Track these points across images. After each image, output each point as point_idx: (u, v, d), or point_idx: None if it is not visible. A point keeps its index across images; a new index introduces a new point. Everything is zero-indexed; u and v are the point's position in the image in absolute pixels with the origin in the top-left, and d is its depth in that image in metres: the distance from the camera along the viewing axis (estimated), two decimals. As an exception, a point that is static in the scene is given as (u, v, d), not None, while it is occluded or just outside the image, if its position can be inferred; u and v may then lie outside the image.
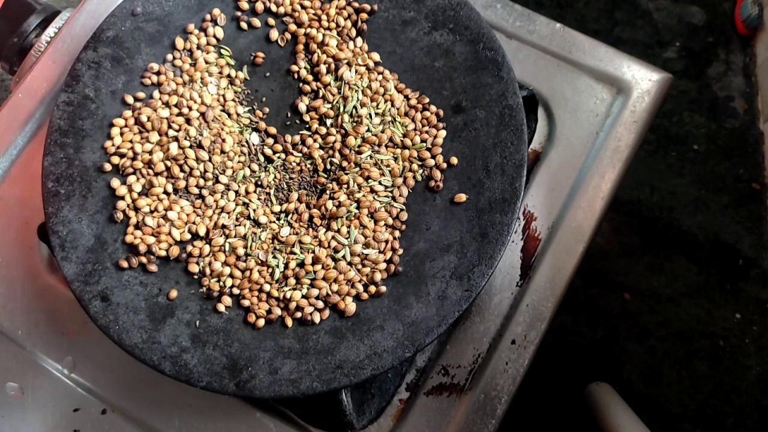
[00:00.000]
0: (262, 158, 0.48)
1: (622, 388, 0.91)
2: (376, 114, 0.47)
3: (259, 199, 0.47)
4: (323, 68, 0.48)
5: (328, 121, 0.48)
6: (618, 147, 0.53)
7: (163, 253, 0.44)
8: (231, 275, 0.44)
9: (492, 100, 0.46)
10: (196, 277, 0.44)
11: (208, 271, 0.44)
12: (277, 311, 0.43)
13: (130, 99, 0.48)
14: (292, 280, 0.43)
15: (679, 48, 1.17)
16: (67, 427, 0.49)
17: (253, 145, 0.48)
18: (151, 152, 0.46)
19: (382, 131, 0.46)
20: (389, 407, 0.48)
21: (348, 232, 0.44)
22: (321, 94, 0.48)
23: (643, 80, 0.55)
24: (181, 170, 0.46)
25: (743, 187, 1.09)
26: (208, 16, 0.50)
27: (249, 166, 0.47)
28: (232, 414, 0.48)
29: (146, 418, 0.49)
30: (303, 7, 0.50)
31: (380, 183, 0.46)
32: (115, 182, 0.45)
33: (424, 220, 0.45)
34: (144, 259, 0.44)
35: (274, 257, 0.44)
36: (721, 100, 1.14)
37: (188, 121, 0.47)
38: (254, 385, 0.41)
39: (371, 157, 0.46)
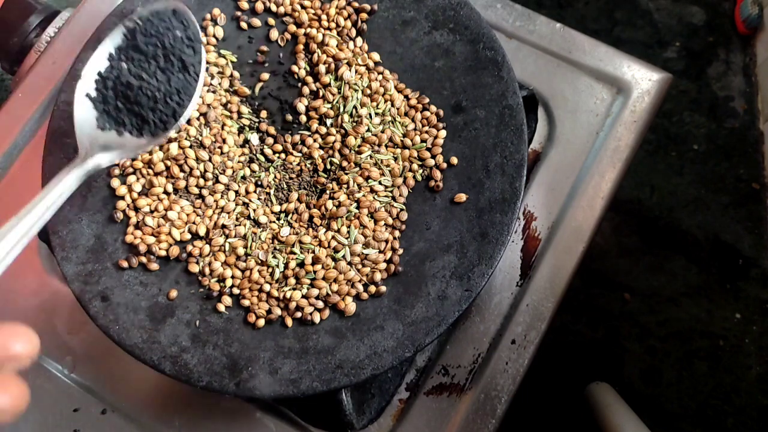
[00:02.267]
0: (262, 158, 0.48)
1: (622, 388, 0.90)
2: (376, 114, 0.47)
3: (259, 199, 0.47)
4: (322, 68, 0.48)
5: (328, 121, 0.48)
6: (618, 147, 0.53)
7: (163, 253, 0.44)
8: (231, 275, 0.44)
9: (492, 100, 0.46)
10: (196, 277, 0.44)
11: (208, 271, 0.44)
12: (277, 311, 0.43)
13: (130, 99, 0.47)
14: (292, 280, 0.43)
15: (679, 48, 1.17)
16: (67, 427, 0.49)
17: (253, 145, 0.48)
18: (150, 152, 0.46)
19: (382, 131, 0.46)
20: (389, 407, 0.48)
21: (348, 232, 0.44)
22: (321, 94, 0.48)
23: (643, 80, 0.55)
24: (181, 170, 0.46)
25: (743, 187, 1.08)
26: (208, 16, 0.50)
27: (249, 166, 0.47)
28: (232, 414, 0.48)
29: (146, 418, 0.49)
30: (303, 6, 0.50)
31: (380, 183, 0.46)
32: (115, 182, 0.45)
33: (424, 220, 0.45)
34: (144, 259, 0.44)
35: (274, 257, 0.44)
36: (721, 100, 1.14)
37: (188, 121, 0.47)
38: (254, 385, 0.41)
39: (371, 157, 0.46)
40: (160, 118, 0.41)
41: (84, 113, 0.41)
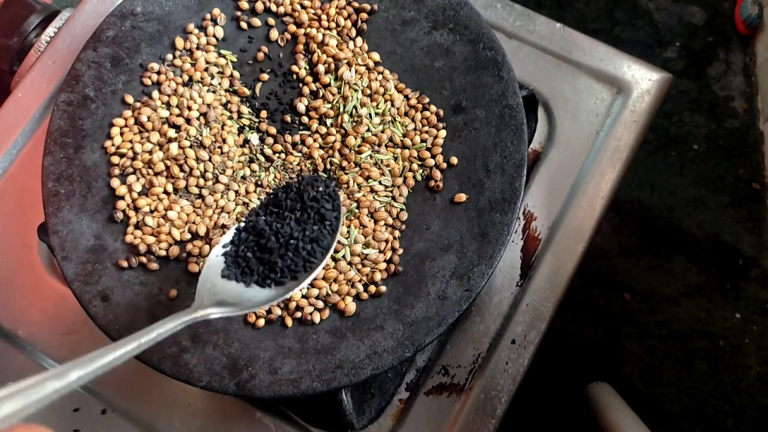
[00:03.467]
0: (262, 158, 0.48)
1: (622, 388, 0.90)
2: (376, 114, 0.47)
3: (259, 198, 0.47)
4: (322, 68, 0.48)
5: (328, 121, 0.48)
6: (618, 147, 0.53)
7: (163, 252, 0.44)
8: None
9: (492, 100, 0.46)
10: (196, 276, 0.44)
11: (208, 271, 0.44)
12: (277, 311, 0.43)
13: (130, 99, 0.48)
14: (292, 280, 0.43)
15: (679, 48, 1.17)
16: (67, 427, 0.49)
17: (253, 145, 0.48)
18: (151, 152, 0.46)
19: (382, 131, 0.46)
20: (389, 407, 0.48)
21: (348, 231, 0.44)
22: (321, 94, 0.48)
23: (643, 80, 0.55)
24: (181, 170, 0.46)
25: (743, 187, 1.08)
26: (208, 16, 0.50)
27: (249, 166, 0.47)
28: (232, 414, 0.48)
29: (146, 418, 0.49)
30: (303, 6, 0.50)
31: (380, 183, 0.46)
32: (115, 182, 0.45)
33: (424, 220, 0.45)
34: (144, 259, 0.44)
35: (274, 257, 0.44)
36: (721, 100, 1.14)
37: (188, 121, 0.47)
38: (254, 385, 0.41)
39: (371, 156, 0.46)
40: (288, 266, 0.38)
41: (214, 267, 0.39)
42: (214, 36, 0.49)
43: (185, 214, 0.45)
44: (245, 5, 0.50)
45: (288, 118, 0.48)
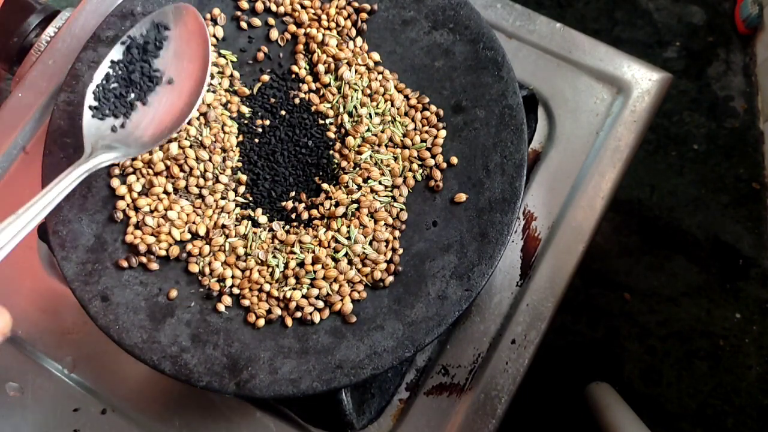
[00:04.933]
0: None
1: (622, 388, 0.90)
2: (376, 114, 0.47)
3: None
4: (322, 68, 0.48)
5: (328, 121, 0.47)
6: (618, 147, 0.53)
7: (163, 252, 0.44)
8: (231, 275, 0.44)
9: (492, 100, 0.46)
10: (196, 276, 0.44)
11: (207, 270, 0.44)
12: (277, 311, 0.43)
13: (130, 99, 0.47)
14: (292, 280, 0.43)
15: (679, 48, 1.17)
16: (67, 427, 0.49)
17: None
18: (150, 152, 0.46)
19: (382, 131, 0.46)
20: (389, 407, 0.48)
21: (348, 231, 0.44)
22: (321, 93, 0.48)
23: (643, 80, 0.55)
24: (181, 170, 0.46)
25: (743, 187, 1.08)
26: (208, 16, 0.50)
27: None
28: (232, 414, 0.48)
29: (146, 418, 0.49)
30: (303, 6, 0.50)
31: (380, 183, 0.46)
32: (115, 182, 0.45)
33: (424, 220, 0.45)
34: (144, 259, 0.44)
35: (274, 257, 0.44)
36: (721, 100, 1.14)
37: (188, 120, 0.47)
38: (254, 385, 0.41)
39: (371, 157, 0.46)
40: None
41: (89, 116, 0.44)
42: (214, 36, 0.49)
43: (185, 214, 0.45)
44: (245, 5, 0.50)
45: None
